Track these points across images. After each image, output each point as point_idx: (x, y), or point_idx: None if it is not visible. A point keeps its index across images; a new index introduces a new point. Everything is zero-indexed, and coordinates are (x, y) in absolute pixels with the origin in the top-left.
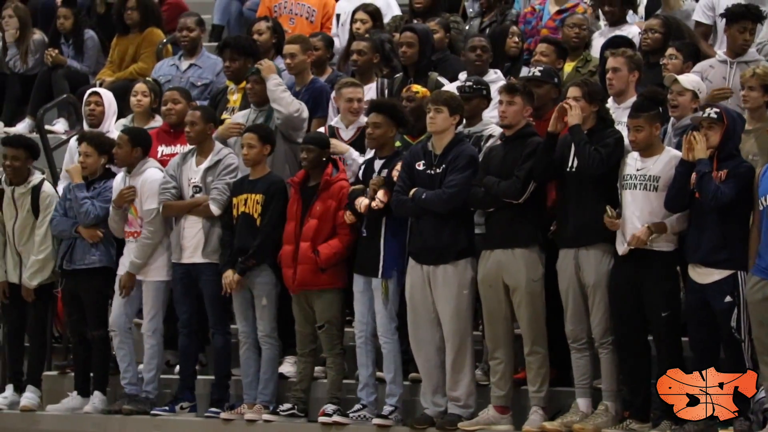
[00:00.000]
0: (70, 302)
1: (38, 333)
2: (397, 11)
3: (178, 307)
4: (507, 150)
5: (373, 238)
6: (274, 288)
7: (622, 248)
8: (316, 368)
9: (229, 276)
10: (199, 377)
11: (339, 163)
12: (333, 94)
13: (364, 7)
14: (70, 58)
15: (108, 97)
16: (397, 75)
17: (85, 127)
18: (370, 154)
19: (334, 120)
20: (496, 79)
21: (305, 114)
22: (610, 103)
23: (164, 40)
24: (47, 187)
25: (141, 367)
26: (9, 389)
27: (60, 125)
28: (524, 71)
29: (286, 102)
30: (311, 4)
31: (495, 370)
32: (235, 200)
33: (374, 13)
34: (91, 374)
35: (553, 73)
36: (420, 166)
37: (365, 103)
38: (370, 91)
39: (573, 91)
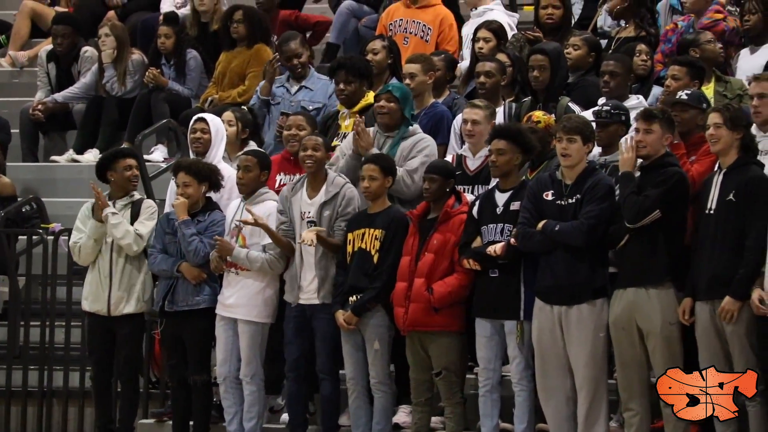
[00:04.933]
0: (170, 345)
1: (131, 376)
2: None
3: (287, 347)
4: (644, 181)
5: (507, 278)
6: (387, 331)
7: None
8: (434, 418)
9: (339, 318)
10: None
11: (462, 195)
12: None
13: (487, 25)
14: (171, 80)
15: (215, 124)
16: (525, 99)
17: (191, 155)
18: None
19: (462, 148)
20: (637, 104)
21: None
22: (755, 131)
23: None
24: (150, 202)
25: None
26: None
27: (158, 153)
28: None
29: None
30: (426, 22)
31: (630, 422)
32: (350, 235)
33: (498, 31)
34: (191, 422)
35: (701, 97)
36: (548, 196)
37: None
38: (497, 116)
39: (714, 118)
